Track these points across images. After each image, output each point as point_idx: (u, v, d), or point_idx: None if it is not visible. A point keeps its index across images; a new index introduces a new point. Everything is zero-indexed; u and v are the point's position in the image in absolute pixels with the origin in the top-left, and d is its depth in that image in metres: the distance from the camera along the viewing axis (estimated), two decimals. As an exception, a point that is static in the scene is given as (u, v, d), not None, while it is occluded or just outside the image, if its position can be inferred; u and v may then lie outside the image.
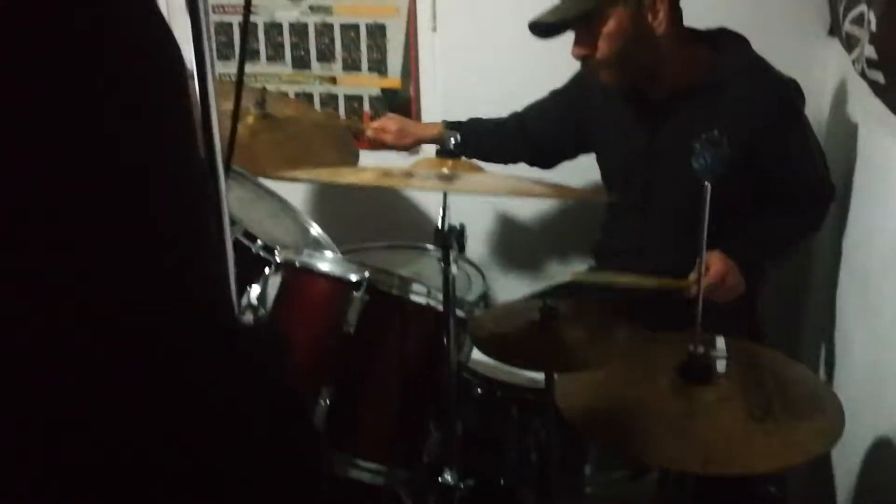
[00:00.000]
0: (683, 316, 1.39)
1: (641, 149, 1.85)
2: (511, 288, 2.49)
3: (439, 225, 1.33)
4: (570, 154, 2.10)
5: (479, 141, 2.02)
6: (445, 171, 1.26)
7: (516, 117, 2.12)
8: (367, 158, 2.41)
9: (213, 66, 1.00)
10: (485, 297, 1.94)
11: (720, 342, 1.39)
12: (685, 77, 1.76)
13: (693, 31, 1.80)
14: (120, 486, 0.51)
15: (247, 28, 0.99)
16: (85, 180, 0.47)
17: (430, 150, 1.93)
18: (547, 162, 2.11)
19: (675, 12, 1.74)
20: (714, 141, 1.71)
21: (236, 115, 1.08)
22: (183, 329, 0.53)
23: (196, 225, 0.57)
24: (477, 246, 2.52)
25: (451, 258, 1.35)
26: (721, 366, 1.38)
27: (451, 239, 1.30)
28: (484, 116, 2.14)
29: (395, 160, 2.44)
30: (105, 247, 0.49)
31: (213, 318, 0.58)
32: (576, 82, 2.02)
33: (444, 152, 1.31)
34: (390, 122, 2.05)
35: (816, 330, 2.08)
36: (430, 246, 2.12)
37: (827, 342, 1.93)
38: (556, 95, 2.07)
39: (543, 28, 1.75)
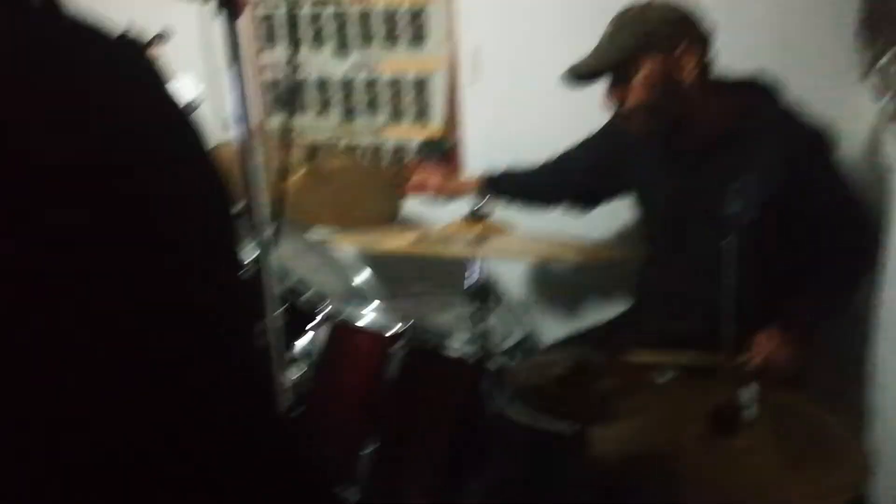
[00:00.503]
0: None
1: (674, 195, 1.88)
2: (553, 327, 2.54)
3: (471, 282, 1.39)
4: (609, 196, 2.14)
5: (518, 186, 2.09)
6: (475, 233, 1.33)
7: (554, 161, 2.17)
8: (410, 204, 2.51)
9: (248, 120, 1.08)
10: (526, 340, 1.99)
11: (750, 391, 1.42)
12: (715, 126, 1.79)
13: (723, 80, 1.83)
14: (120, 487, 0.52)
15: (293, 86, 1.08)
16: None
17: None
18: (587, 204, 2.16)
19: (705, 62, 1.77)
20: (745, 188, 1.75)
21: (285, 168, 1.15)
22: (184, 333, 0.55)
23: (204, 232, 0.59)
24: (519, 286, 2.57)
25: (486, 311, 1.41)
26: (751, 414, 1.41)
27: (482, 296, 1.37)
28: (524, 165, 2.20)
29: (428, 218, 2.54)
30: (107, 247, 0.51)
31: (214, 323, 0.59)
32: (611, 126, 2.06)
33: (473, 216, 1.38)
34: (431, 177, 2.13)
35: (853, 366, 2.07)
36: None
37: (863, 379, 1.93)
38: (592, 139, 2.12)
39: (575, 77, 1.80)
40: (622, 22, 1.77)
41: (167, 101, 0.57)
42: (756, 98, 1.81)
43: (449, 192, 2.11)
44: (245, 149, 1.09)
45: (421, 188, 2.09)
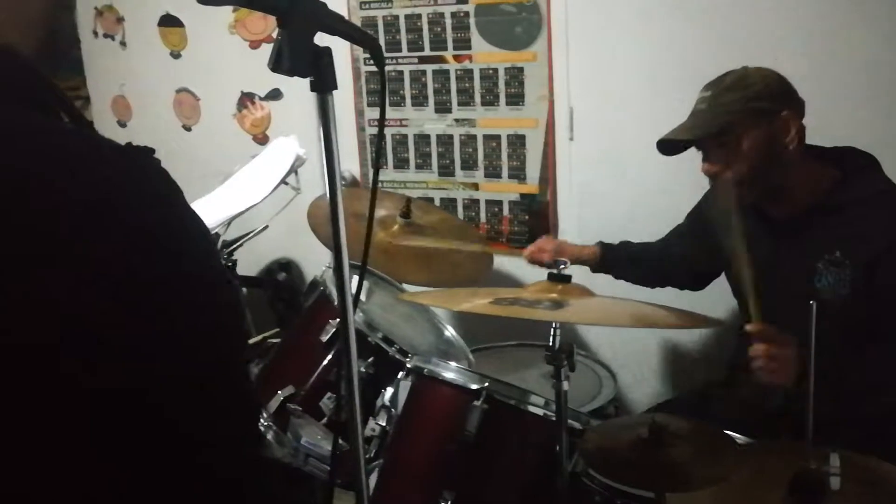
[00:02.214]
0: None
1: (765, 268, 1.85)
2: (642, 391, 2.51)
3: (552, 343, 1.42)
4: (715, 273, 2.08)
5: (626, 264, 2.10)
6: (555, 296, 1.36)
7: (661, 241, 2.16)
8: (502, 263, 2.56)
9: (336, 184, 1.15)
10: (608, 405, 1.98)
11: (834, 458, 1.38)
12: (810, 196, 1.75)
13: (819, 150, 1.80)
14: None
15: (380, 141, 1.15)
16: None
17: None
18: (695, 284, 2.13)
19: (803, 129, 1.74)
20: (837, 262, 1.71)
21: (371, 221, 1.21)
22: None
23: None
24: (608, 347, 2.57)
25: (563, 375, 1.43)
26: (835, 483, 1.37)
27: (561, 358, 1.39)
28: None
29: (515, 276, 2.57)
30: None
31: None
32: (705, 199, 2.05)
33: (555, 277, 1.41)
34: (547, 243, 2.15)
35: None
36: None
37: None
38: (689, 216, 2.10)
39: (671, 146, 1.79)
40: (723, 87, 1.74)
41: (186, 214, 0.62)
42: (851, 169, 1.76)
43: (567, 258, 2.11)
44: (334, 205, 1.15)
45: (537, 256, 2.10)
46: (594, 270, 2.14)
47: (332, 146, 1.10)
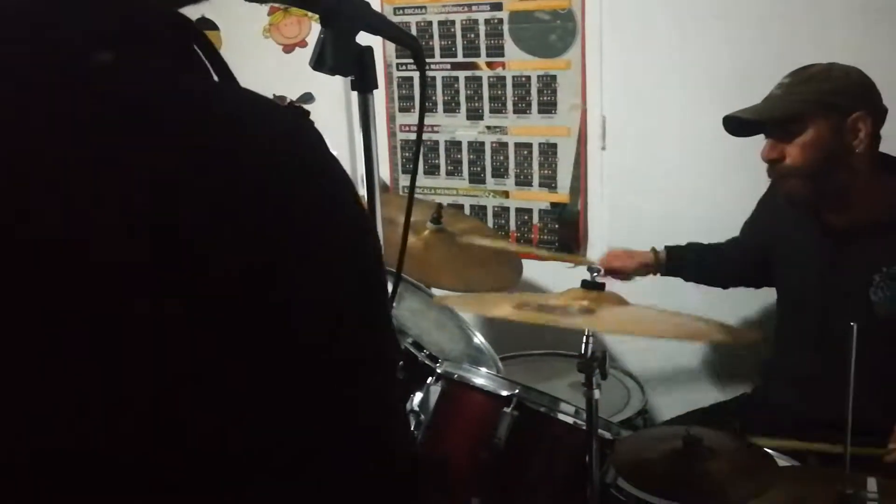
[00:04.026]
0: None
1: (819, 275, 1.82)
2: (671, 402, 2.48)
3: (584, 351, 1.41)
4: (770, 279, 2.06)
5: (697, 263, 2.08)
6: (588, 303, 1.34)
7: (731, 242, 2.13)
8: (532, 271, 2.54)
9: (375, 184, 1.15)
10: (639, 415, 1.96)
11: (871, 483, 1.36)
12: (873, 206, 1.72)
13: (890, 158, 1.76)
14: None
15: (419, 149, 1.14)
16: None
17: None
18: (759, 284, 2.10)
19: (876, 135, 1.70)
20: (894, 276, 1.68)
21: (407, 226, 1.21)
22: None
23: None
24: (637, 358, 2.54)
25: (595, 383, 1.42)
26: (876, 505, 1.34)
27: (593, 366, 1.38)
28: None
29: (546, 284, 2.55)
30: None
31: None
32: (762, 205, 2.02)
33: (588, 284, 1.39)
34: (616, 251, 2.14)
35: None
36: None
37: None
38: (751, 218, 2.08)
39: (738, 123, 1.75)
40: (803, 77, 1.71)
41: (337, 169, 0.62)
42: None
43: (634, 264, 2.09)
44: (372, 207, 1.15)
45: (611, 263, 2.08)
46: (664, 274, 2.12)
47: (371, 145, 1.10)
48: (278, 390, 0.56)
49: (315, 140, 0.61)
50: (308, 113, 0.65)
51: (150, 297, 0.52)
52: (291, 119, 0.61)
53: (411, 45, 1.10)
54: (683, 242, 2.14)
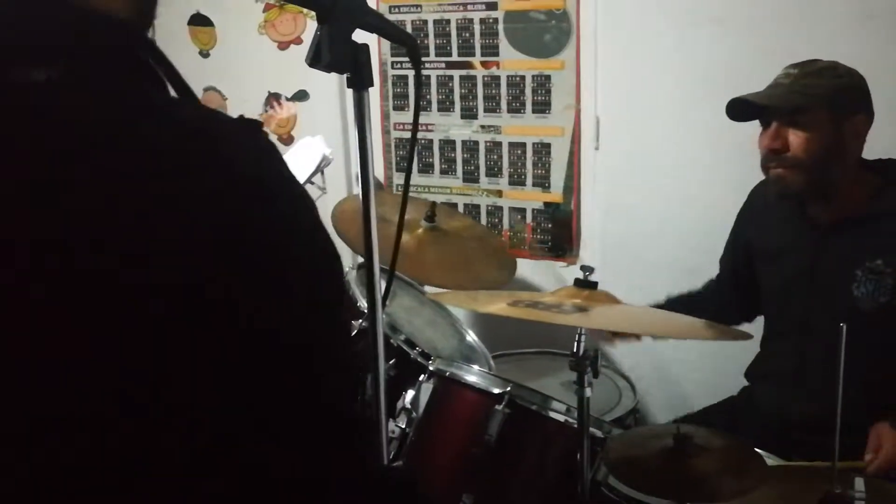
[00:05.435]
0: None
1: (802, 272, 1.83)
2: (662, 403, 2.50)
3: (576, 349, 1.41)
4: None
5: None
6: (580, 301, 1.35)
7: (709, 283, 2.10)
8: (525, 270, 2.55)
9: (370, 178, 1.15)
10: (630, 414, 1.97)
11: (859, 483, 1.37)
12: (857, 202, 1.74)
13: (863, 160, 1.78)
14: None
15: (414, 142, 1.15)
16: None
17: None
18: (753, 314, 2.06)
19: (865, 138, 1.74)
20: (878, 270, 1.70)
21: (401, 225, 1.22)
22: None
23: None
24: (629, 358, 2.55)
25: (587, 381, 1.42)
26: (862, 504, 1.35)
27: (585, 365, 1.39)
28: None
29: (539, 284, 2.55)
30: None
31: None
32: (748, 203, 2.02)
33: (581, 283, 1.40)
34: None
35: None
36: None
37: None
38: (729, 243, 2.07)
39: (742, 108, 1.74)
40: (812, 70, 1.72)
41: (288, 177, 0.63)
42: (894, 179, 1.75)
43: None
44: (366, 205, 1.16)
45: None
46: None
47: (366, 143, 1.11)
48: (237, 379, 0.57)
49: (268, 152, 0.62)
50: (262, 124, 0.65)
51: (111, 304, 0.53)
52: (248, 133, 0.62)
53: (407, 43, 1.11)
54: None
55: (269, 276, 0.58)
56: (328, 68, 1.03)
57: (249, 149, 0.60)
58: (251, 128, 0.62)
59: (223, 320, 0.55)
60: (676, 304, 2.01)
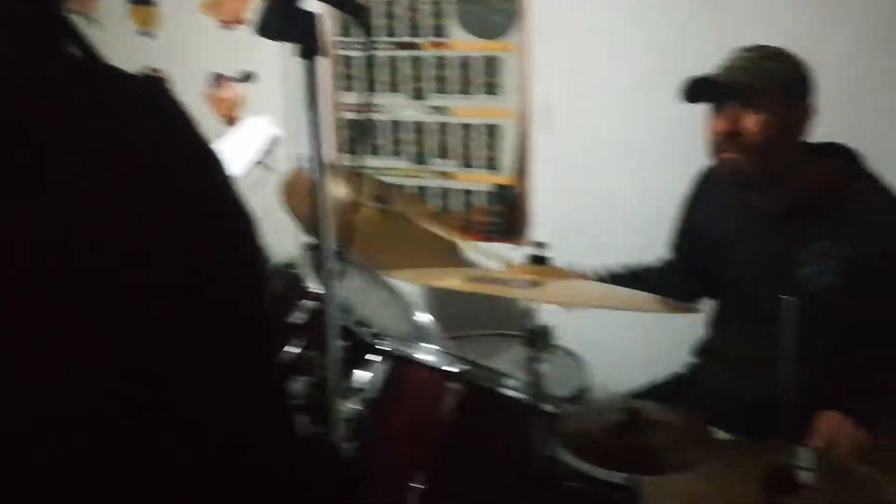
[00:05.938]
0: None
1: (750, 255, 1.86)
2: (610, 380, 2.52)
3: (527, 326, 1.42)
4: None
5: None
6: (534, 277, 1.35)
7: (661, 263, 2.12)
8: (474, 250, 2.54)
9: (321, 158, 1.13)
10: (582, 391, 1.99)
11: (804, 452, 1.40)
12: (804, 189, 1.76)
13: (811, 144, 1.79)
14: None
15: (367, 126, 1.14)
16: None
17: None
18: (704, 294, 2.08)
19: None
20: (823, 251, 1.73)
21: (354, 208, 1.20)
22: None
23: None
24: (579, 336, 2.57)
25: (540, 356, 1.43)
26: (807, 477, 1.38)
27: (537, 341, 1.39)
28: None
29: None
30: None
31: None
32: (693, 189, 2.04)
33: (535, 259, 1.40)
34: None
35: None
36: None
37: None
38: (678, 219, 2.09)
39: (699, 88, 1.72)
40: (765, 54, 1.73)
41: (193, 134, 0.62)
42: (839, 164, 1.78)
43: None
44: (317, 185, 1.14)
45: None
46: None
47: (317, 115, 1.09)
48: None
49: (175, 107, 0.62)
50: (165, 80, 0.64)
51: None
52: (154, 88, 0.62)
53: (355, 12, 1.09)
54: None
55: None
56: (278, 37, 1.01)
57: (159, 104, 0.61)
58: (157, 83, 0.63)
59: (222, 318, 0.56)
60: (631, 277, 2.04)
